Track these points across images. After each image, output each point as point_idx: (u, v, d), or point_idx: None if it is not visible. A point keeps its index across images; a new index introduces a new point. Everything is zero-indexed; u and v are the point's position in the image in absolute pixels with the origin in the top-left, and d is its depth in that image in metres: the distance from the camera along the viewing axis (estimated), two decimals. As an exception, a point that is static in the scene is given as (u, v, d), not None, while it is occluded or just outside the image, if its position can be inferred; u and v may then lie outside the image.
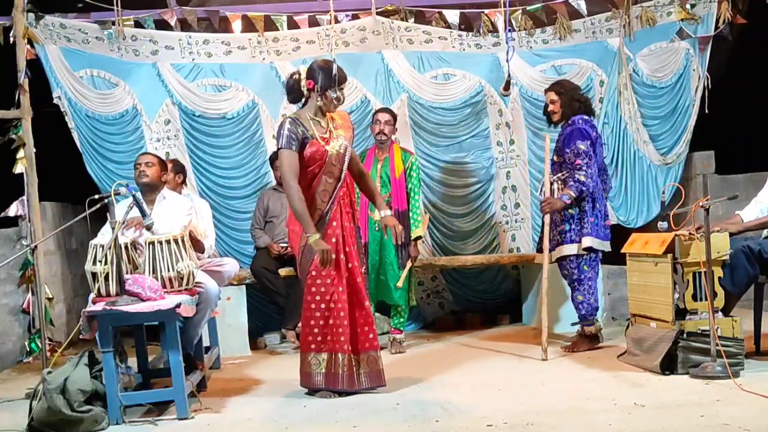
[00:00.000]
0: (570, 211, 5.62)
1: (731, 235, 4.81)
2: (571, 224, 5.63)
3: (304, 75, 4.66)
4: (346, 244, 4.66)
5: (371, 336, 4.67)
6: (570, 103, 5.73)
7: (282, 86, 5.20)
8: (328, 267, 4.49)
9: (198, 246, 5.19)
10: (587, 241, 5.60)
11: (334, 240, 4.59)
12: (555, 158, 5.80)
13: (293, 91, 4.70)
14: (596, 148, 5.69)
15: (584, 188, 5.55)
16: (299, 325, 5.00)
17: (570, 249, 5.63)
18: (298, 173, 4.52)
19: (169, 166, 5.63)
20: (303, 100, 4.70)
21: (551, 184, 5.71)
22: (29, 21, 6.44)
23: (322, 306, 4.56)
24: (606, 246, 5.74)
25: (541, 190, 5.86)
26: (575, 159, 5.58)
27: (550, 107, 5.82)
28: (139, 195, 4.67)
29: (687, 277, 4.69)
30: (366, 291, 4.80)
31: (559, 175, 5.66)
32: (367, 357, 4.65)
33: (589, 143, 5.61)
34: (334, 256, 4.51)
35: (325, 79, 4.61)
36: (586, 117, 5.74)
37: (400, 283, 5.90)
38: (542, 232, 5.64)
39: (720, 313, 4.70)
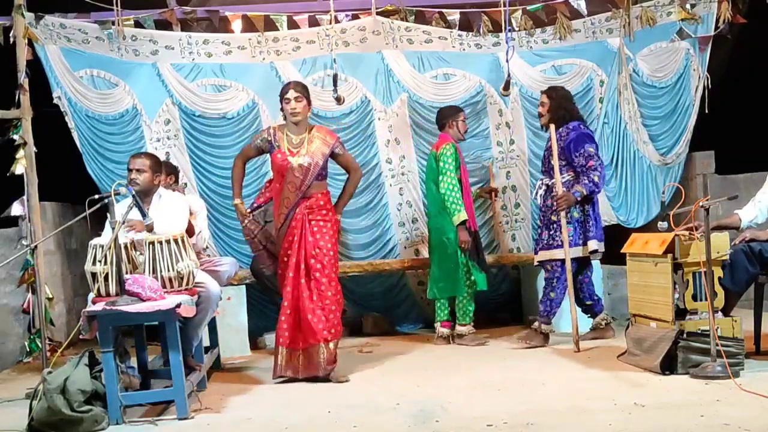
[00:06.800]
0: (574, 214, 5.68)
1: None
2: (576, 227, 5.72)
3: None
4: (305, 251, 5.05)
5: (316, 329, 4.98)
6: (556, 110, 5.80)
7: (282, 86, 5.34)
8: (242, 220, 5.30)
9: (191, 229, 5.28)
10: (593, 245, 5.73)
11: (291, 240, 5.11)
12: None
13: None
14: None
15: (596, 189, 5.66)
16: None
17: (575, 252, 5.71)
18: (245, 156, 5.36)
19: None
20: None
21: (542, 187, 5.79)
22: (29, 21, 6.43)
23: (285, 304, 5.12)
24: (602, 246, 5.87)
25: (536, 193, 5.92)
26: (587, 161, 5.65)
27: (539, 108, 5.92)
28: (138, 195, 4.67)
29: (687, 277, 4.69)
30: None
31: (549, 180, 5.74)
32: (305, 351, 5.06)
33: (596, 146, 5.74)
34: (249, 224, 5.26)
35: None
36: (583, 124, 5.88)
37: None
38: (557, 228, 5.73)
39: (720, 313, 4.71)
